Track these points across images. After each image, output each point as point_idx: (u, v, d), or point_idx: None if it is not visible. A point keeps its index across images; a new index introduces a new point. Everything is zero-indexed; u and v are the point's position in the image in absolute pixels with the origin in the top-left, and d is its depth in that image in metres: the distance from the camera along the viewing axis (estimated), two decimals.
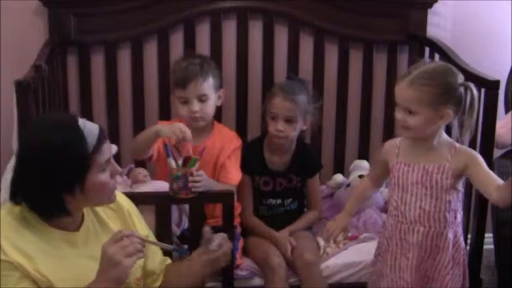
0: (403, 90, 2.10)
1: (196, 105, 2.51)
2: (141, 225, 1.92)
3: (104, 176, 1.70)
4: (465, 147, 2.19)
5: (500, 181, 2.09)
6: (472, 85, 2.11)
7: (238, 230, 2.59)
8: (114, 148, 2.79)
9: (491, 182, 2.10)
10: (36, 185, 1.65)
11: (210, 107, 2.56)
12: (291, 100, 2.55)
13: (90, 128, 1.68)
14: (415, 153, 2.18)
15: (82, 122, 1.68)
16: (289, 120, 2.56)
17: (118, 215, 1.87)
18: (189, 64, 2.54)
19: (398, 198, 2.21)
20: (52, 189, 1.65)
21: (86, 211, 1.80)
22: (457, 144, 2.18)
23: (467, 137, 2.15)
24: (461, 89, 2.10)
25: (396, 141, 2.27)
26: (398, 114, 2.13)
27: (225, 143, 2.60)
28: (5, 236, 1.63)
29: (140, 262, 1.84)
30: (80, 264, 1.71)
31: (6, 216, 1.68)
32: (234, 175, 2.57)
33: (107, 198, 1.76)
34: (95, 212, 1.82)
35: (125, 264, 1.61)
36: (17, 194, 1.69)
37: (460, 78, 2.12)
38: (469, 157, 2.15)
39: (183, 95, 2.52)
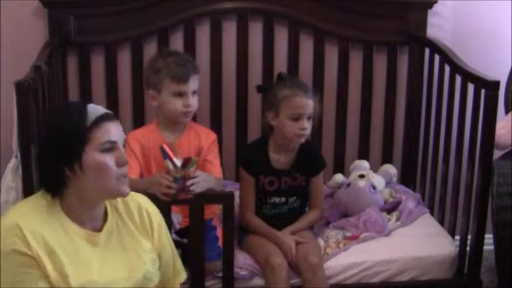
0: None
1: (192, 100, 2.52)
2: (169, 240, 1.93)
3: (105, 157, 1.67)
4: None
5: None
6: None
7: (215, 221, 2.61)
8: None
9: None
10: (41, 157, 1.77)
11: (197, 102, 2.57)
12: (312, 98, 2.56)
13: (95, 107, 1.72)
14: None
15: (92, 104, 1.73)
16: (310, 118, 2.57)
17: (142, 223, 1.85)
18: (188, 60, 2.56)
19: None
20: (51, 160, 1.68)
21: (111, 212, 1.79)
22: None
23: None
24: None
25: None
26: None
27: (201, 138, 2.61)
28: (30, 230, 1.63)
29: (156, 268, 1.85)
30: (96, 267, 1.71)
31: (32, 210, 1.69)
32: (217, 169, 2.59)
33: (113, 187, 1.70)
34: (119, 214, 1.81)
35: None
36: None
37: None
38: None
39: (183, 89, 2.49)
